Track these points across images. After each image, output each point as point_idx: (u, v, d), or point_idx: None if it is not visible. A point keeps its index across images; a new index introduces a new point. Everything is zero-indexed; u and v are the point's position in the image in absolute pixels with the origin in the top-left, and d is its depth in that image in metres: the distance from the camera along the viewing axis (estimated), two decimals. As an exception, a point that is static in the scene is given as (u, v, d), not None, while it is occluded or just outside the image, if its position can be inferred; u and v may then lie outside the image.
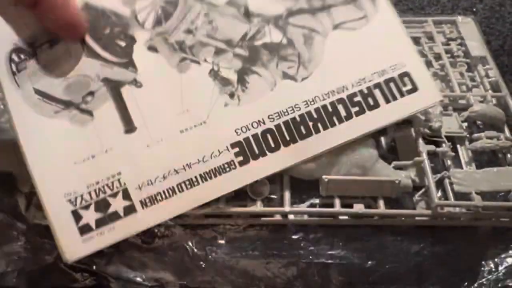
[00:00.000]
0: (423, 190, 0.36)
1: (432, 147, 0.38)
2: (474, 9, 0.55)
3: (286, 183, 0.36)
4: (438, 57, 0.46)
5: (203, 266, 0.35)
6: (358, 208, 0.35)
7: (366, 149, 0.37)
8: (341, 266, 0.34)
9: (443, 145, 0.38)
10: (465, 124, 0.41)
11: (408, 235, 0.35)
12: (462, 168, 0.38)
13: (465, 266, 0.34)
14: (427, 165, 0.36)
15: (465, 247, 0.35)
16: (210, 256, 0.35)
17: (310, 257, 0.34)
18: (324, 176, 0.35)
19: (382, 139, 0.40)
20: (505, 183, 0.35)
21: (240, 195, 0.37)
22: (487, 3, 0.55)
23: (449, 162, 0.38)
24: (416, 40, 0.48)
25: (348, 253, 0.34)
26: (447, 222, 0.35)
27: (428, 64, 0.46)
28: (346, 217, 0.36)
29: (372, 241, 0.35)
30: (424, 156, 0.37)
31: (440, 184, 0.37)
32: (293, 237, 0.36)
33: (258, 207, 0.36)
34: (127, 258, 0.34)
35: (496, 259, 0.34)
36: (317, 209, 0.36)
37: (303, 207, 0.36)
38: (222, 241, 0.35)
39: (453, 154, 0.38)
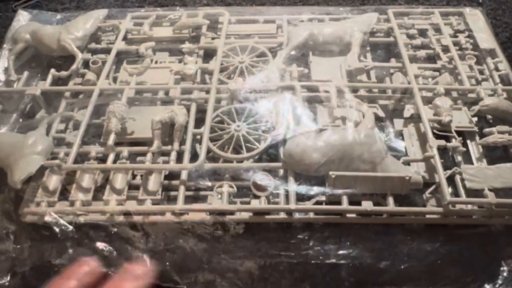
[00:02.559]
0: (433, 186, 0.35)
1: (442, 142, 0.36)
2: (481, 1, 0.53)
3: (291, 179, 0.35)
4: (446, 49, 0.44)
5: (205, 266, 0.33)
6: (367, 205, 0.34)
7: (374, 143, 0.35)
8: (350, 267, 0.32)
9: (453, 140, 0.37)
10: (475, 118, 0.39)
11: (419, 234, 0.34)
12: (472, 164, 0.37)
13: (479, 265, 0.32)
14: (438, 160, 0.35)
15: (478, 246, 0.33)
16: (212, 256, 0.33)
17: (320, 257, 0.32)
18: (331, 172, 0.34)
19: (390, 130, 0.39)
20: (519, 179, 0.34)
21: (243, 191, 0.36)
22: None
23: (459, 158, 0.37)
24: (423, 32, 0.47)
25: (358, 253, 0.33)
26: (459, 220, 0.34)
27: (436, 57, 0.44)
28: (353, 215, 0.34)
29: (382, 240, 0.33)
30: (435, 151, 0.35)
31: (451, 180, 0.35)
32: (299, 236, 0.34)
33: (262, 204, 0.34)
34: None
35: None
36: (324, 206, 0.34)
37: (309, 204, 0.35)
38: (224, 240, 0.34)
39: (464, 149, 0.36)
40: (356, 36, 0.43)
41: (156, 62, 0.45)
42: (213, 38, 0.46)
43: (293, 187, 0.35)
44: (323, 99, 0.40)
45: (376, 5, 0.50)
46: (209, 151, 0.37)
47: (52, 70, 0.43)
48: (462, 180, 0.35)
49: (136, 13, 0.49)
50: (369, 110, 0.38)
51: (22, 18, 0.49)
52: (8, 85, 0.43)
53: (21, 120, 0.41)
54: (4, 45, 0.46)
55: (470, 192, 0.34)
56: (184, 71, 0.42)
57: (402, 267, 0.32)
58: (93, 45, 0.47)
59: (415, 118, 0.39)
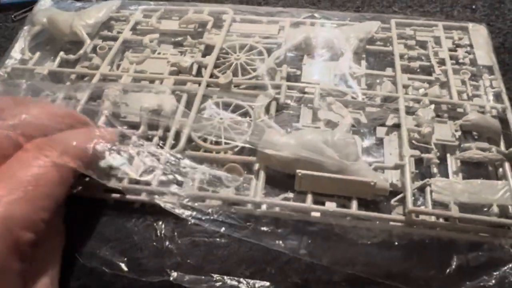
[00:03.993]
0: (401, 195, 0.35)
1: (416, 152, 0.36)
2: (474, 7, 0.53)
3: (262, 174, 0.36)
4: (442, 62, 0.44)
5: (170, 248, 0.35)
6: (329, 206, 0.34)
7: (347, 146, 0.36)
8: (303, 263, 0.33)
9: (432, 152, 0.37)
10: (460, 134, 0.39)
11: (381, 241, 0.34)
12: (448, 177, 0.37)
13: (437, 278, 0.32)
14: (407, 169, 0.35)
15: (438, 258, 0.33)
16: (178, 240, 0.35)
17: (276, 249, 0.33)
18: (298, 171, 0.35)
19: (371, 137, 0.39)
20: (487, 196, 0.33)
21: (214, 180, 0.37)
22: (486, 0, 0.54)
23: (435, 170, 0.36)
24: (422, 44, 0.47)
25: (313, 251, 0.33)
26: (422, 230, 0.34)
27: (432, 69, 0.44)
28: (318, 215, 0.35)
29: (341, 242, 0.34)
30: (406, 160, 0.36)
31: (423, 192, 0.35)
32: (263, 228, 0.35)
33: (230, 194, 0.36)
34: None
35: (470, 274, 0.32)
36: (289, 202, 0.35)
37: (277, 200, 0.36)
38: (190, 224, 0.35)
39: (438, 161, 0.36)
40: (351, 42, 0.44)
41: (159, 54, 0.47)
42: (216, 35, 0.48)
43: (262, 181, 0.36)
44: (307, 100, 0.41)
45: (376, 13, 0.51)
46: (192, 141, 0.39)
47: (61, 53, 0.46)
48: (431, 191, 0.35)
49: (147, 6, 0.52)
50: (348, 114, 0.39)
51: (45, 4, 0.52)
52: (22, 63, 0.47)
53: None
54: (25, 27, 0.50)
55: (438, 205, 0.34)
56: (180, 63, 0.44)
57: (356, 269, 0.32)
58: (105, 33, 0.50)
59: (397, 127, 0.40)
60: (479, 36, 0.46)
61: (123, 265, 0.33)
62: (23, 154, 0.28)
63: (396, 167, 0.36)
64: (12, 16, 0.55)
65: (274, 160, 0.36)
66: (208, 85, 0.43)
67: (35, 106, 0.32)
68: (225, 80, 0.41)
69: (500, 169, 0.36)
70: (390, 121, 0.40)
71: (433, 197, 0.34)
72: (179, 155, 0.37)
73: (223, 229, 0.34)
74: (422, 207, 0.34)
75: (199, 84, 0.43)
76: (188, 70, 0.44)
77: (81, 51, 0.46)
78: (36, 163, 0.27)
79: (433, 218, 0.34)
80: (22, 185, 0.26)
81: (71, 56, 0.46)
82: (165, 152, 0.37)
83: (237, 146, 0.38)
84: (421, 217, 0.34)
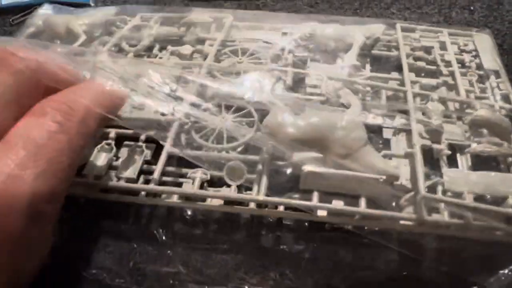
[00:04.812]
0: (411, 193, 0.33)
1: (427, 142, 0.35)
2: (472, 8, 0.53)
3: (265, 172, 0.34)
4: (448, 65, 0.44)
5: (170, 255, 0.33)
6: (336, 204, 0.33)
7: (355, 130, 0.34)
8: (309, 266, 0.31)
9: (442, 143, 0.36)
10: (470, 133, 0.37)
11: (391, 242, 0.32)
12: (459, 174, 0.35)
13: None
14: (418, 157, 0.34)
15: (450, 263, 0.31)
16: (178, 246, 0.33)
17: (282, 253, 0.32)
18: (303, 167, 0.33)
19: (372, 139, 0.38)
20: (502, 188, 0.32)
21: (215, 180, 0.35)
22: (484, 1, 0.54)
23: (444, 163, 0.35)
24: (427, 50, 0.46)
25: (320, 253, 0.32)
26: (434, 230, 0.32)
27: (438, 72, 0.44)
28: (324, 214, 0.33)
29: (349, 243, 0.32)
30: (417, 149, 0.34)
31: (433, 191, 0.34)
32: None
33: (232, 192, 0.34)
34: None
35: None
36: (294, 201, 0.33)
37: (280, 198, 0.34)
38: (192, 229, 0.34)
39: (449, 152, 0.35)
40: (357, 38, 0.44)
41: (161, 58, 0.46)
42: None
43: (265, 179, 0.34)
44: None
45: (382, 18, 0.51)
46: (194, 140, 0.37)
47: (59, 52, 0.45)
48: (444, 192, 0.33)
49: (144, 13, 0.51)
50: (357, 100, 0.38)
51: (45, 12, 0.52)
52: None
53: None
54: (21, 31, 0.49)
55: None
56: (180, 51, 0.44)
57: (362, 273, 0.31)
58: (106, 38, 0.49)
59: (405, 129, 0.38)
60: (484, 42, 0.46)
61: (121, 271, 0.32)
62: (38, 118, 0.25)
63: (407, 155, 0.35)
64: (10, 20, 0.55)
65: (280, 135, 0.34)
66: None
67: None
68: (228, 64, 0.41)
69: (512, 165, 0.35)
70: (397, 121, 0.39)
71: (446, 186, 0.32)
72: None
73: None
74: (435, 195, 0.32)
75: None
76: (188, 58, 0.44)
77: (75, 44, 0.45)
78: (54, 127, 0.25)
79: (445, 217, 0.32)
80: (45, 155, 0.24)
81: (69, 57, 0.45)
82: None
83: (239, 145, 0.37)
84: (433, 216, 0.32)
